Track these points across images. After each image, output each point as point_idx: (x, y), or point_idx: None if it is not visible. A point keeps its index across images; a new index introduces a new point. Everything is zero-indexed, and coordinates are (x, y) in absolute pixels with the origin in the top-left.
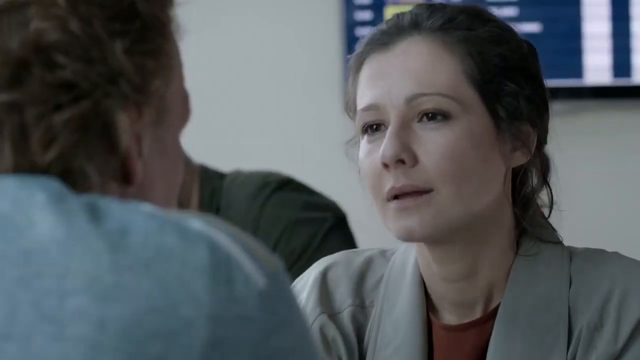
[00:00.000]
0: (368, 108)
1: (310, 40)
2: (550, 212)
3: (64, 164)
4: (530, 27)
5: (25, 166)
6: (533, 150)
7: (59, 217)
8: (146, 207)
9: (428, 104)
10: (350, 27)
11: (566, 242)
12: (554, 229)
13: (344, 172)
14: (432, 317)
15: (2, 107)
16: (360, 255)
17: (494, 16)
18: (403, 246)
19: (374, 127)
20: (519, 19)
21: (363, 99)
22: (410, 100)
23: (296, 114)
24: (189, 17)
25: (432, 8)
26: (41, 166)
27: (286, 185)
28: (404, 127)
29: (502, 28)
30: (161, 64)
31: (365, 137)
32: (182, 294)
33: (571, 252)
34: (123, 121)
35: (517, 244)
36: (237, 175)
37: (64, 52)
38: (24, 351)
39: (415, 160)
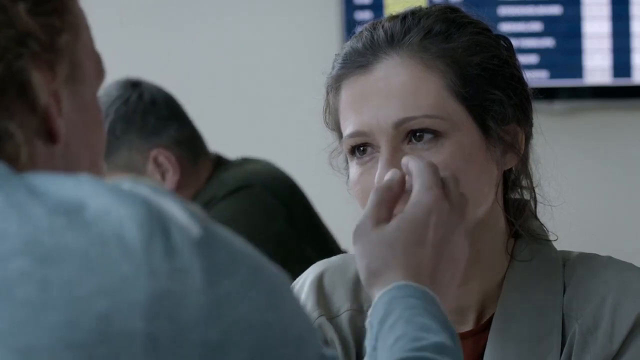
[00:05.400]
0: (356, 134)
1: (310, 40)
2: (535, 205)
3: None
4: (531, 27)
5: None
6: (523, 149)
7: None
8: (79, 175)
9: (416, 126)
10: (350, 27)
11: (565, 242)
12: (546, 231)
13: (345, 171)
14: None
15: None
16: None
17: (468, 16)
18: None
19: (362, 148)
20: (520, 18)
21: (348, 125)
22: (398, 125)
23: (296, 114)
24: (190, 17)
25: (406, 21)
26: None
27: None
28: (396, 152)
29: (478, 31)
30: (67, 21)
31: (355, 159)
32: (120, 251)
33: (564, 258)
34: (38, 79)
35: (512, 248)
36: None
37: None
38: None
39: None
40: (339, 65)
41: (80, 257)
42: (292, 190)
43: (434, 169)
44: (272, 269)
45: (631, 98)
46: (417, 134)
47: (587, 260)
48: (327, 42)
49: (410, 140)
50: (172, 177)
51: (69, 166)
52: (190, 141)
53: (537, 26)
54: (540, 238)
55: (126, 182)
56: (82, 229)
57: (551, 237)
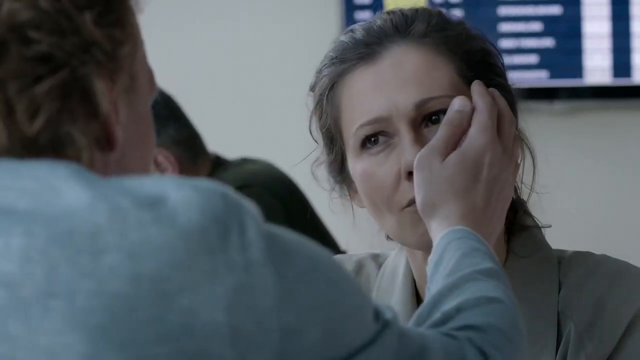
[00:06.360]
0: (373, 121)
1: (310, 40)
2: (528, 200)
3: (52, 132)
4: (531, 27)
5: (16, 138)
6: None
7: (83, 185)
8: (151, 175)
9: (438, 106)
10: None
11: (565, 242)
12: (540, 227)
13: (328, 182)
14: None
15: None
16: (352, 260)
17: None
18: (394, 251)
19: (373, 139)
20: (520, 18)
21: (360, 116)
22: (419, 106)
23: (296, 115)
24: (190, 17)
25: (406, 14)
26: (30, 136)
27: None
28: (418, 133)
29: (468, 26)
30: (127, 33)
31: (365, 152)
32: (201, 246)
33: (560, 256)
34: (101, 87)
35: (507, 245)
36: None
37: (37, 28)
38: (70, 307)
39: None
40: (336, 61)
41: (166, 253)
42: (292, 190)
43: (490, 108)
44: (322, 251)
45: (631, 98)
46: (433, 117)
47: (583, 258)
48: (327, 42)
49: (427, 125)
50: None
51: (122, 174)
52: (189, 141)
53: (537, 26)
54: (535, 235)
55: (200, 179)
56: (166, 224)
57: (544, 230)
